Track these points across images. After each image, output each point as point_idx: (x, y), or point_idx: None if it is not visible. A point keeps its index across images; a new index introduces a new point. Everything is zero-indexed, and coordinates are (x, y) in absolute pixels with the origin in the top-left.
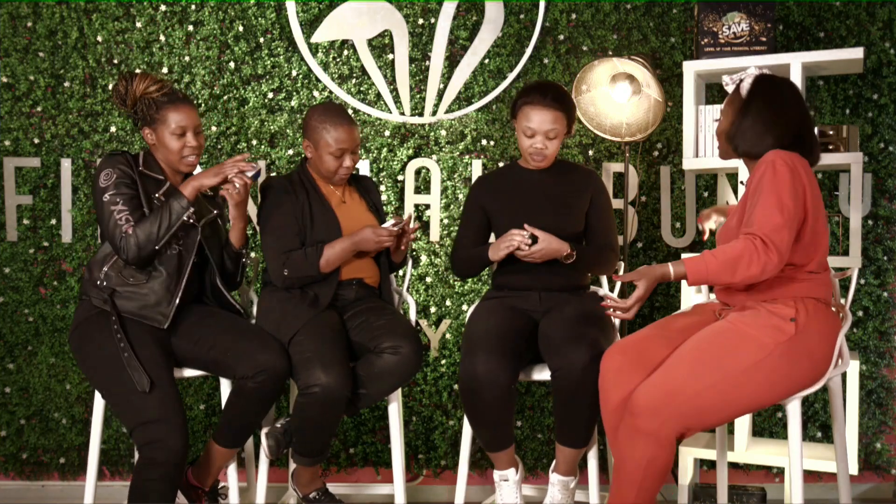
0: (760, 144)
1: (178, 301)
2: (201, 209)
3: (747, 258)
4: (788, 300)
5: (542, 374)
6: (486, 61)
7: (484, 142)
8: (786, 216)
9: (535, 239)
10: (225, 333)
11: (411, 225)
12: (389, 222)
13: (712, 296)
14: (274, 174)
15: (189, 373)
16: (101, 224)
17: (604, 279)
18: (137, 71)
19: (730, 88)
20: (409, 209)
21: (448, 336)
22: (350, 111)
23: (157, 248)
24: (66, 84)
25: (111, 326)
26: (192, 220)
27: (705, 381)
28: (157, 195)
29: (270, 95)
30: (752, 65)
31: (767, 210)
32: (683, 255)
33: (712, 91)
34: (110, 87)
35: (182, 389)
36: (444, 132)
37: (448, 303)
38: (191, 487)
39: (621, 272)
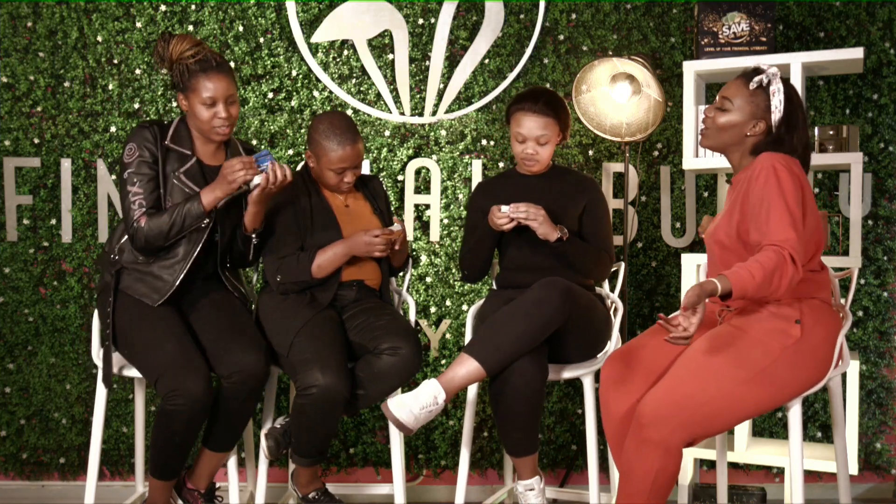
0: (794, 154)
1: (177, 284)
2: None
3: (780, 271)
4: (791, 300)
5: (568, 373)
6: (486, 61)
7: (484, 142)
8: (798, 230)
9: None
10: (214, 329)
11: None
12: (394, 228)
13: None
14: None
15: None
16: (120, 200)
17: (605, 285)
18: (178, 34)
19: (753, 85)
20: (409, 209)
21: (448, 336)
22: (350, 111)
23: (165, 244)
24: (66, 84)
25: (117, 302)
26: (206, 226)
27: (713, 389)
28: (178, 172)
29: (270, 95)
30: (755, 63)
31: (783, 224)
32: (684, 256)
33: (712, 91)
34: (110, 86)
35: None
36: (444, 132)
37: (448, 303)
38: (187, 490)
39: (621, 274)
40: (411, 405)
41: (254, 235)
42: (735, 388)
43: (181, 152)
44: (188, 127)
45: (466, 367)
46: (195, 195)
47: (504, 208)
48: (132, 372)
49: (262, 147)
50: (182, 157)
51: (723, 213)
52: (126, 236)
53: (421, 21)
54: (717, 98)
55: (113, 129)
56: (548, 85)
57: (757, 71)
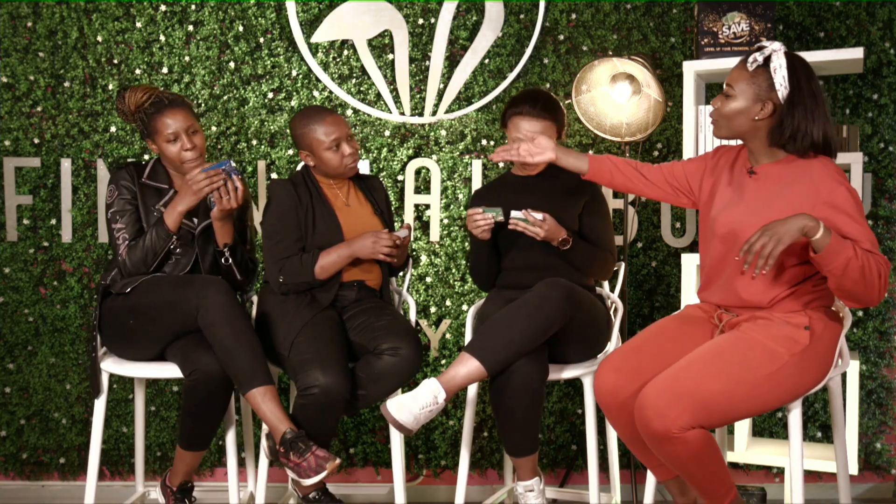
0: (802, 140)
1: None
2: (200, 216)
3: (884, 281)
4: (801, 308)
5: (568, 373)
6: (486, 61)
7: (484, 142)
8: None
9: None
10: (182, 329)
11: (410, 234)
12: (402, 234)
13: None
14: (275, 175)
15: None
16: (108, 240)
17: (605, 286)
18: (130, 86)
19: (751, 66)
20: (409, 209)
21: (448, 336)
22: (350, 111)
23: (149, 270)
24: (66, 84)
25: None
26: (176, 248)
27: (715, 386)
28: (157, 206)
29: (270, 95)
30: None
31: (872, 240)
32: (684, 256)
33: (712, 91)
34: (110, 86)
35: (175, 395)
36: (444, 132)
37: (448, 303)
38: (165, 486)
39: (621, 274)
40: (411, 406)
41: (226, 251)
42: (737, 389)
43: (159, 187)
44: (164, 166)
45: (467, 367)
46: (160, 218)
47: (515, 213)
48: (129, 372)
49: (263, 146)
50: (160, 192)
51: (737, 205)
52: (116, 270)
53: (421, 21)
54: (724, 85)
55: (113, 129)
56: (547, 85)
57: (756, 50)
